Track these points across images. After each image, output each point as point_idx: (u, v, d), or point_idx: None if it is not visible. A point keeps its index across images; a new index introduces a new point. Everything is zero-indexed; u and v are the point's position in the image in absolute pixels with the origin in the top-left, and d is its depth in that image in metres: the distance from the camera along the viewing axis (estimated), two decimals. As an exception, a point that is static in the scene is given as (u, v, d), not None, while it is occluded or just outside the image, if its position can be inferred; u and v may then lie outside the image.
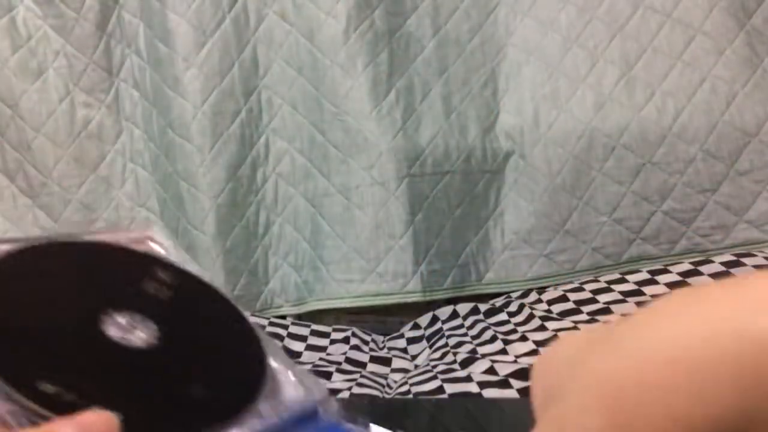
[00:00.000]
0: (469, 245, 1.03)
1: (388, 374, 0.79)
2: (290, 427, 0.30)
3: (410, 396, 0.66)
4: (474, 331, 0.85)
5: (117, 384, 0.28)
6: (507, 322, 0.85)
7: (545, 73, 1.04)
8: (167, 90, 1.05)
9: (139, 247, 0.37)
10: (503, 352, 0.74)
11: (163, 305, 0.33)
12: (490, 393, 0.63)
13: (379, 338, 0.96)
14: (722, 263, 0.83)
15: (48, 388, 0.24)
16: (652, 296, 0.80)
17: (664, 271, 0.86)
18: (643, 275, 0.87)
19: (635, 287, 0.84)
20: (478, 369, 0.69)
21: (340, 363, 0.80)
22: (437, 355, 0.81)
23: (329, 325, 0.97)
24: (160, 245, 0.37)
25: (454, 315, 0.94)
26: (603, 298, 0.83)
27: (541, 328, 0.78)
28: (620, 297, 0.82)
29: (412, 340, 0.92)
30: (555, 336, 0.74)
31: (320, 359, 0.81)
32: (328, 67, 1.03)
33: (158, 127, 1.08)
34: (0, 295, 0.30)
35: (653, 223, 0.98)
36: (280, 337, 0.86)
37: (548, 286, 0.98)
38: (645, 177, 0.98)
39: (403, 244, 0.99)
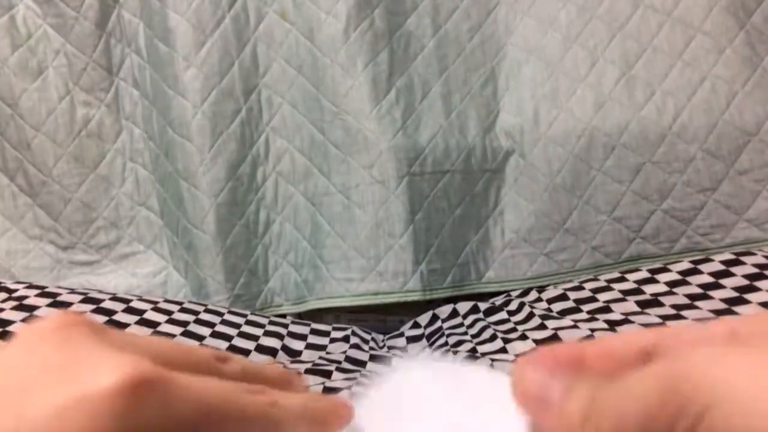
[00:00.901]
0: (469, 244, 1.03)
1: (388, 373, 0.79)
2: None
3: (410, 394, 0.66)
4: (474, 330, 0.85)
5: None
6: (507, 320, 0.85)
7: (545, 72, 1.04)
8: (167, 89, 1.05)
9: None
10: (503, 350, 0.74)
11: None
12: (490, 391, 0.63)
13: (379, 337, 0.96)
14: (722, 262, 0.83)
15: None
16: (652, 295, 0.80)
17: (664, 269, 0.86)
18: (643, 274, 0.87)
19: (635, 286, 0.84)
20: (478, 367, 0.69)
21: (340, 362, 0.80)
22: (437, 353, 0.81)
23: (329, 323, 0.97)
24: None
25: (454, 314, 0.94)
26: (603, 296, 0.83)
27: (541, 326, 0.78)
28: (620, 296, 0.82)
29: (412, 339, 0.92)
30: (555, 335, 0.74)
31: (320, 358, 0.81)
32: (328, 66, 1.03)
33: (158, 126, 1.08)
34: None
35: (653, 222, 0.98)
36: (281, 336, 0.86)
37: (548, 285, 0.98)
38: (645, 176, 0.98)
39: (403, 243, 0.99)
